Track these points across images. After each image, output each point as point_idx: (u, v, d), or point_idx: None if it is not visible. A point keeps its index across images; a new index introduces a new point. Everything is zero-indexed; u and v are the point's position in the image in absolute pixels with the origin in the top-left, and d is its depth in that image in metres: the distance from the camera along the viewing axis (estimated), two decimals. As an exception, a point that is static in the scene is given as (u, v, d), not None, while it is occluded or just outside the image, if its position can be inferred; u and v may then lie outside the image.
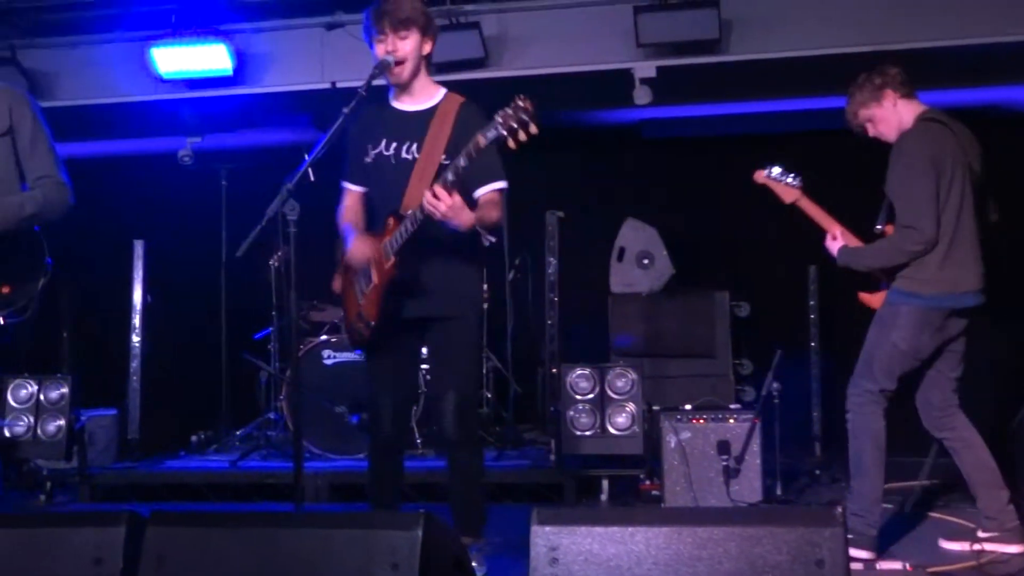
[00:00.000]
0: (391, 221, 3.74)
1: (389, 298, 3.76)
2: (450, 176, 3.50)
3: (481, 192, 3.78)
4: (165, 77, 6.59)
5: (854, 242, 4.48)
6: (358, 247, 3.84)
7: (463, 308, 3.87)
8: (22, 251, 3.76)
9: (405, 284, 3.75)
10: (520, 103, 3.36)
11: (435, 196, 3.48)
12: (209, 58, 6.50)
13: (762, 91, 7.13)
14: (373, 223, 3.93)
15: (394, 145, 3.85)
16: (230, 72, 6.56)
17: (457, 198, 3.52)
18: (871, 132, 4.48)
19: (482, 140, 3.43)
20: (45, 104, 6.68)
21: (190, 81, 6.72)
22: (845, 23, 6.11)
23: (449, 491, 3.99)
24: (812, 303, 7.20)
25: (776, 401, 5.58)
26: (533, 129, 3.35)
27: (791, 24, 6.20)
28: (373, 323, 3.80)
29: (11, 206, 3.69)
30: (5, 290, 3.70)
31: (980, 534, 4.34)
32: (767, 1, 6.26)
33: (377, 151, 3.88)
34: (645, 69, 6.30)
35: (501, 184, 3.80)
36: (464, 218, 3.58)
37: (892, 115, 4.38)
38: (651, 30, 6.09)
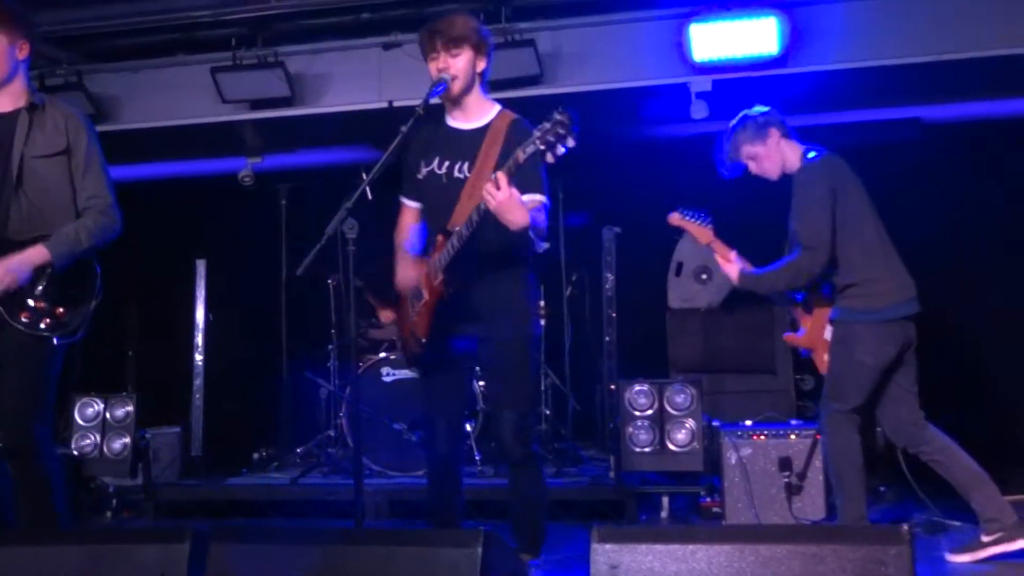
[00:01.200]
0: (439, 238, 3.76)
1: (440, 315, 3.77)
2: (511, 164, 3.50)
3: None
4: (227, 99, 6.69)
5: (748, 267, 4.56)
6: (403, 274, 3.91)
7: (517, 325, 3.85)
8: (75, 274, 3.84)
9: (455, 301, 3.75)
10: (558, 117, 3.34)
11: (496, 185, 3.46)
12: (269, 80, 6.59)
13: (822, 104, 7.05)
14: (427, 240, 3.95)
15: (446, 164, 3.86)
16: (289, 93, 6.65)
17: (516, 192, 3.50)
18: (754, 169, 4.51)
19: (521, 155, 3.43)
20: (110, 128, 6.87)
21: (251, 103, 6.82)
22: (906, 32, 6.03)
23: (509, 508, 3.97)
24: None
25: (839, 417, 5.49)
26: (570, 143, 3.34)
27: (850, 35, 6.14)
28: (424, 340, 3.82)
29: (67, 242, 3.77)
30: (60, 312, 3.78)
31: (984, 539, 4.29)
32: (826, 13, 6.19)
33: (429, 169, 3.89)
34: (701, 83, 6.27)
35: (541, 197, 3.77)
36: (518, 214, 3.53)
37: (776, 153, 4.62)
38: (706, 45, 6.07)
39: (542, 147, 3.37)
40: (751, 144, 4.60)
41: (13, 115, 3.84)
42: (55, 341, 3.75)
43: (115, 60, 7.00)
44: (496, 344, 3.82)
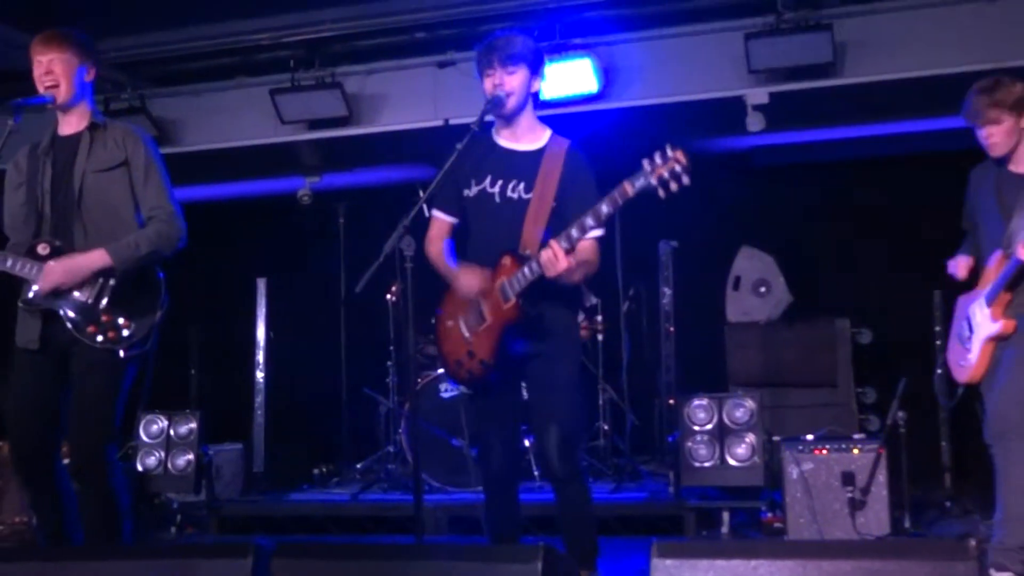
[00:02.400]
0: (508, 260, 3.73)
1: (506, 338, 3.76)
2: (575, 233, 3.53)
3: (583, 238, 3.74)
4: (286, 120, 6.79)
5: None
6: (469, 278, 3.80)
7: (561, 343, 3.83)
8: (140, 287, 3.90)
9: (526, 325, 3.75)
10: (671, 153, 3.34)
11: (555, 255, 3.50)
12: (327, 101, 6.69)
13: (877, 114, 6.99)
14: (471, 258, 3.90)
15: (499, 183, 3.85)
16: (346, 114, 6.74)
17: (572, 260, 3.54)
18: (984, 136, 4.23)
19: (630, 188, 3.43)
20: (172, 150, 7.01)
21: (309, 123, 6.91)
22: (960, 42, 5.96)
23: (560, 526, 3.94)
24: (937, 329, 6.96)
25: (902, 430, 5.41)
26: (686, 181, 3.34)
27: (906, 45, 6.08)
28: (490, 362, 3.79)
29: (127, 248, 3.84)
30: (125, 324, 3.83)
31: None
32: (881, 23, 6.14)
33: (480, 187, 3.88)
34: (757, 96, 6.25)
35: (599, 232, 3.74)
36: (576, 277, 3.64)
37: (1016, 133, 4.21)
38: (763, 56, 6.04)
39: (654, 183, 3.37)
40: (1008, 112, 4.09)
41: (77, 136, 3.96)
42: (122, 354, 3.81)
43: (177, 84, 7.15)
44: (545, 362, 3.80)
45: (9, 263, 3.81)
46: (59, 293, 3.81)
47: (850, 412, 6.88)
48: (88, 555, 3.03)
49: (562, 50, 6.25)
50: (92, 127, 3.98)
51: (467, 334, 3.84)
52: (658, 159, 3.35)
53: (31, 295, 3.83)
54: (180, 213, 3.99)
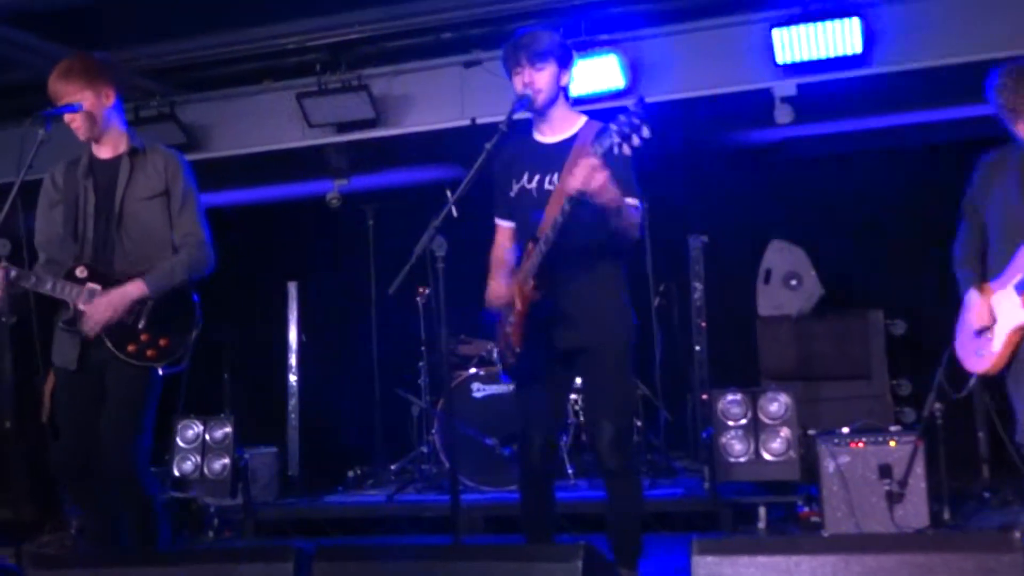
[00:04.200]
0: (530, 246, 3.77)
1: (532, 324, 3.77)
2: (567, 206, 3.54)
3: None
4: (313, 124, 6.81)
5: None
6: (494, 289, 3.92)
7: (614, 336, 3.83)
8: (176, 305, 4.01)
9: (549, 310, 3.75)
10: (630, 107, 3.39)
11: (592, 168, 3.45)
12: (353, 104, 6.70)
13: (908, 103, 6.92)
14: (520, 255, 3.95)
15: (536, 178, 3.87)
16: (373, 116, 6.75)
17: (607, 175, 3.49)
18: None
19: (598, 149, 3.46)
20: (202, 156, 7.06)
21: (336, 126, 6.93)
22: (989, 29, 5.89)
23: (607, 521, 3.95)
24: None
25: (939, 422, 5.37)
26: (645, 132, 3.36)
27: (936, 33, 6.01)
28: (518, 350, 3.81)
29: (163, 278, 3.95)
30: (163, 342, 3.94)
31: None
32: (911, 10, 6.08)
33: (520, 185, 3.90)
34: (785, 87, 6.21)
35: (634, 201, 3.75)
36: (611, 193, 3.53)
37: None
38: (790, 47, 6.00)
39: (618, 139, 3.39)
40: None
41: (116, 160, 4.04)
42: (160, 372, 3.93)
43: (205, 90, 7.18)
44: (597, 355, 3.80)
45: (49, 286, 3.91)
46: None
47: (885, 404, 6.83)
48: (131, 561, 3.06)
49: (588, 47, 6.23)
50: (132, 152, 4.05)
51: (508, 327, 3.88)
52: (621, 116, 3.39)
53: (72, 316, 3.91)
54: (210, 241, 4.09)
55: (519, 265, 3.85)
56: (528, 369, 3.88)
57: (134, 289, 3.90)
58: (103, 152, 4.07)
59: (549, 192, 3.82)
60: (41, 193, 4.10)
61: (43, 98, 4.00)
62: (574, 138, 3.86)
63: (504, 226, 4.05)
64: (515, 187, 3.92)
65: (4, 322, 3.82)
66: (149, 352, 3.90)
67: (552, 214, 3.66)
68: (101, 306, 3.86)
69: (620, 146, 3.40)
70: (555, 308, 3.76)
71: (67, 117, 3.95)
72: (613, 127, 3.40)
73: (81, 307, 3.89)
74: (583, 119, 3.93)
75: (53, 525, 6.15)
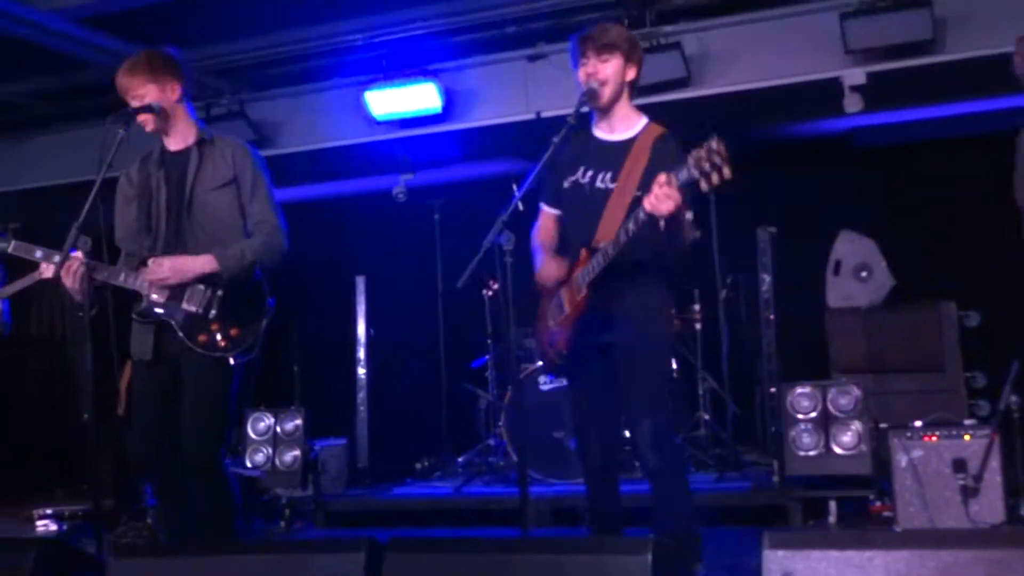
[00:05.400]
0: (583, 253, 3.74)
1: (580, 329, 3.77)
2: (631, 226, 3.49)
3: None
4: (379, 119, 6.88)
5: None
6: (548, 267, 3.86)
7: (649, 334, 3.80)
8: (247, 295, 4.03)
9: (595, 312, 3.75)
10: (714, 146, 3.25)
11: (661, 193, 3.37)
12: (419, 98, 6.76)
13: (979, 90, 6.78)
14: (565, 249, 3.94)
15: (590, 174, 3.85)
16: (439, 110, 6.79)
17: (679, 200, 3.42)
18: None
19: (674, 181, 3.36)
20: (271, 152, 7.16)
21: (402, 121, 6.99)
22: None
23: (654, 517, 3.87)
24: (1050, 310, 6.78)
25: (1015, 415, 5.26)
26: (727, 173, 3.24)
27: (1007, 18, 5.88)
28: (565, 352, 3.83)
29: (233, 257, 3.96)
30: (234, 332, 3.96)
31: None
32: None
33: (574, 179, 3.89)
34: (855, 76, 6.12)
35: (688, 214, 3.68)
36: (678, 217, 3.48)
37: None
38: (859, 35, 5.92)
39: (696, 174, 3.29)
40: None
41: (185, 152, 4.09)
42: (232, 361, 3.95)
43: (274, 87, 7.28)
44: (628, 352, 3.78)
45: (122, 277, 3.97)
46: (170, 304, 3.95)
47: (959, 397, 6.71)
48: (209, 550, 3.12)
49: (652, 38, 6.21)
50: (200, 143, 4.09)
51: (552, 325, 3.88)
52: (702, 152, 3.28)
53: (144, 306, 3.98)
54: (284, 227, 4.10)
55: (571, 266, 3.83)
56: (575, 367, 3.90)
57: (204, 261, 3.93)
58: (173, 144, 4.11)
59: (601, 191, 3.80)
60: (118, 190, 4.17)
61: (117, 98, 4.09)
62: (633, 140, 3.83)
63: (550, 212, 4.02)
64: (569, 180, 3.90)
65: (84, 316, 3.90)
66: (220, 342, 3.93)
67: (611, 226, 3.64)
68: (166, 263, 3.92)
69: (697, 183, 3.30)
70: (600, 310, 3.75)
71: (138, 116, 3.99)
72: (691, 160, 3.30)
73: (153, 297, 3.95)
74: (644, 119, 3.89)
75: (131, 515, 6.29)
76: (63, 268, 3.86)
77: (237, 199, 4.04)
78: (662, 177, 3.38)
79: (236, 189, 4.04)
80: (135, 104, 4.00)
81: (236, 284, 3.98)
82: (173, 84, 4.03)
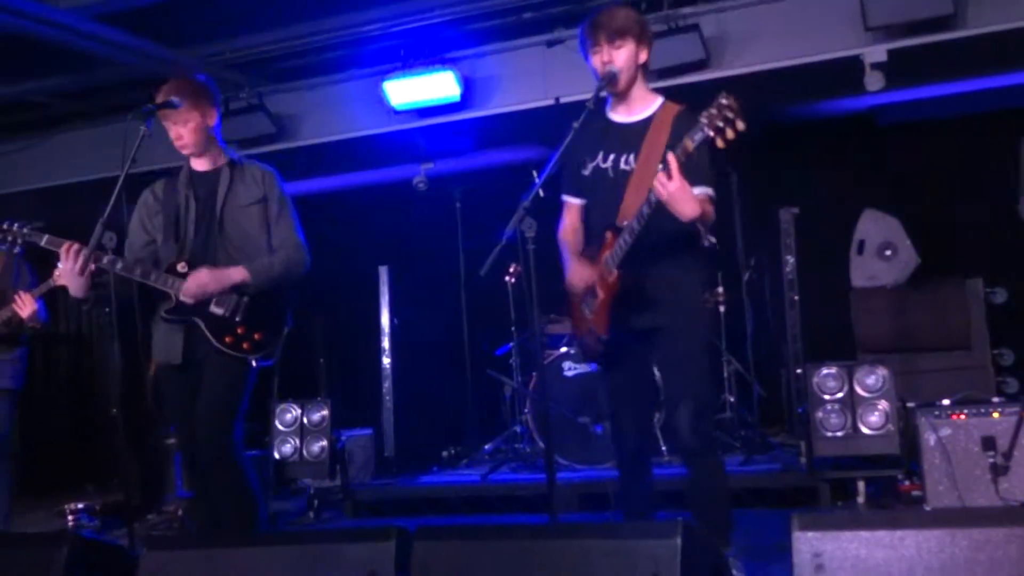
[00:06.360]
0: (609, 235, 3.73)
1: (617, 311, 3.76)
2: (652, 198, 3.48)
3: None
4: (398, 109, 6.87)
5: None
6: (576, 274, 3.86)
7: (687, 316, 3.79)
8: (270, 304, 4.22)
9: (631, 295, 3.74)
10: (724, 101, 3.28)
11: (668, 175, 3.41)
12: (438, 86, 6.75)
13: (1003, 65, 6.71)
14: (591, 237, 3.93)
15: (612, 157, 3.83)
16: (458, 98, 6.78)
17: (685, 183, 3.44)
18: None
19: (690, 144, 3.39)
20: (290, 145, 7.18)
21: (421, 110, 6.98)
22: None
23: (690, 500, 3.90)
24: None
25: (1045, 391, 5.23)
26: (740, 126, 3.27)
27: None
28: (605, 337, 3.80)
29: (262, 268, 4.18)
30: (258, 337, 4.16)
31: None
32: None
33: (594, 164, 3.87)
34: (875, 54, 6.05)
35: (709, 191, 3.70)
36: (689, 205, 3.47)
37: None
38: (879, 12, 5.84)
39: (711, 132, 3.32)
40: None
41: (215, 172, 4.29)
42: (254, 363, 4.14)
43: (292, 80, 7.29)
44: (669, 334, 3.77)
45: (153, 277, 4.12)
46: (199, 307, 4.11)
47: (987, 375, 6.67)
48: (238, 541, 3.14)
49: (669, 21, 6.16)
50: (231, 164, 4.29)
51: (588, 313, 3.87)
52: (713, 109, 3.30)
53: (173, 307, 4.13)
54: (307, 246, 4.31)
55: (597, 252, 3.82)
56: (610, 350, 3.87)
57: (236, 272, 4.13)
58: (201, 165, 4.31)
59: (625, 172, 3.79)
60: (140, 203, 4.34)
61: (135, 94, 4.12)
62: (651, 118, 3.81)
63: (573, 203, 4.00)
64: (589, 166, 3.88)
65: (83, 306, 3.99)
66: (245, 344, 4.12)
67: (634, 204, 3.62)
68: (205, 272, 4.09)
69: (713, 141, 3.33)
70: (636, 291, 3.74)
71: (174, 133, 4.18)
72: (703, 120, 3.33)
73: (183, 299, 4.09)
74: (660, 99, 3.88)
75: (159, 507, 6.34)
76: (63, 249, 3.99)
77: (264, 218, 4.25)
78: (669, 156, 3.40)
79: (264, 209, 4.25)
80: (175, 140, 4.18)
81: (261, 293, 4.17)
82: (212, 111, 4.24)
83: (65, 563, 3.02)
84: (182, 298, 4.09)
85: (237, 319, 4.12)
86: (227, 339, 4.10)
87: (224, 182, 4.24)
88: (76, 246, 4.00)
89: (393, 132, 7.25)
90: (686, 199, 3.46)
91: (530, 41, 6.77)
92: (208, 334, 4.09)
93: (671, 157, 3.42)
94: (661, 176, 3.44)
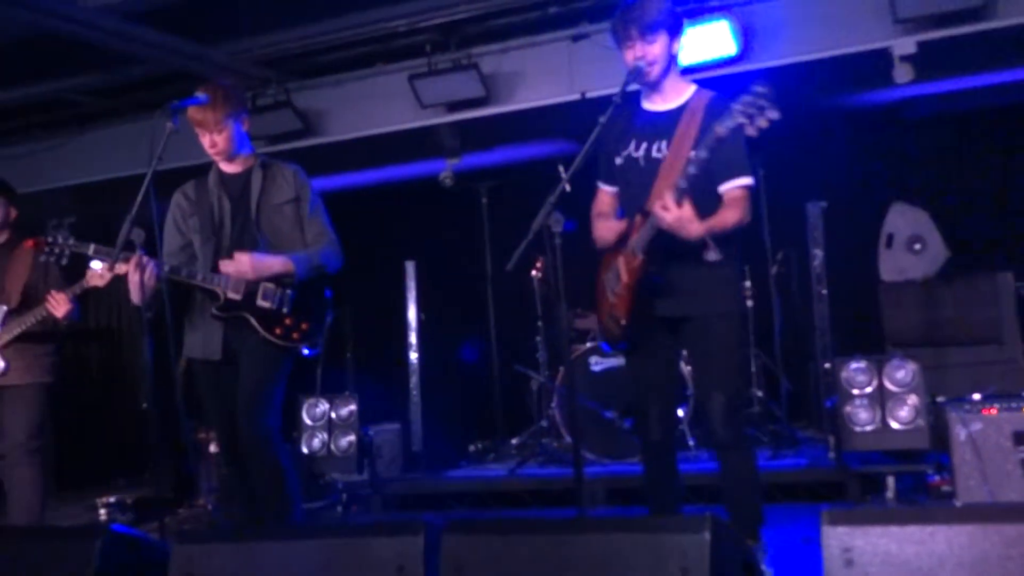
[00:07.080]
0: (638, 219, 3.73)
1: (640, 297, 3.74)
2: (691, 169, 3.49)
3: (725, 188, 3.72)
4: (425, 104, 6.88)
5: None
6: (604, 228, 3.91)
7: (720, 306, 3.78)
8: (313, 295, 4.33)
9: (656, 282, 3.73)
10: (759, 89, 3.30)
11: (664, 206, 3.46)
12: (464, 84, 6.74)
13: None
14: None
15: (644, 146, 3.83)
16: (484, 94, 6.78)
17: (687, 209, 3.48)
18: None
19: (720, 130, 3.40)
20: (317, 141, 7.21)
21: (448, 105, 6.98)
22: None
23: (722, 493, 3.90)
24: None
25: (1077, 386, 5.18)
26: (772, 114, 3.28)
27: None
28: (624, 322, 3.79)
29: (305, 260, 4.27)
30: (305, 326, 4.27)
31: None
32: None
33: (627, 152, 3.87)
34: (905, 46, 6.00)
35: (747, 180, 3.71)
36: (692, 230, 3.53)
37: None
38: (909, 3, 5.79)
39: (743, 120, 3.33)
40: None
41: (246, 172, 4.37)
42: (305, 352, 4.27)
43: (319, 76, 7.32)
44: (701, 324, 3.76)
45: (200, 276, 4.21)
46: (247, 302, 4.19)
47: (1018, 369, 6.61)
48: (268, 535, 3.17)
49: (698, 14, 6.14)
50: (263, 166, 4.38)
51: (611, 297, 3.86)
52: (747, 96, 3.32)
53: (222, 303, 4.21)
54: (339, 240, 4.40)
55: (626, 237, 3.82)
56: (636, 340, 3.86)
57: (280, 262, 4.22)
58: (231, 168, 4.38)
59: (657, 160, 3.78)
60: (173, 205, 4.42)
61: (163, 91, 4.16)
62: (684, 107, 3.81)
63: (607, 190, 4.02)
64: (622, 155, 3.88)
65: (143, 312, 4.04)
66: (295, 335, 4.22)
67: (663, 188, 3.62)
68: (247, 256, 4.16)
69: (744, 128, 3.34)
70: (660, 278, 3.73)
71: (208, 142, 4.25)
72: (737, 107, 3.34)
73: (231, 295, 4.18)
74: (693, 87, 3.88)
75: (190, 501, 6.39)
76: (132, 263, 4.05)
77: (297, 216, 4.34)
78: (665, 195, 3.46)
79: (297, 208, 4.34)
80: (210, 148, 4.26)
81: (302, 284, 4.26)
82: (244, 117, 4.34)
83: (99, 556, 3.06)
84: (230, 295, 4.18)
85: (285, 310, 4.22)
86: (277, 331, 4.20)
87: (256, 182, 4.33)
88: (143, 259, 4.05)
89: (420, 127, 7.25)
90: (685, 227, 3.52)
91: (555, 36, 6.75)
92: (258, 327, 4.18)
93: (666, 194, 3.47)
94: (658, 207, 3.49)
